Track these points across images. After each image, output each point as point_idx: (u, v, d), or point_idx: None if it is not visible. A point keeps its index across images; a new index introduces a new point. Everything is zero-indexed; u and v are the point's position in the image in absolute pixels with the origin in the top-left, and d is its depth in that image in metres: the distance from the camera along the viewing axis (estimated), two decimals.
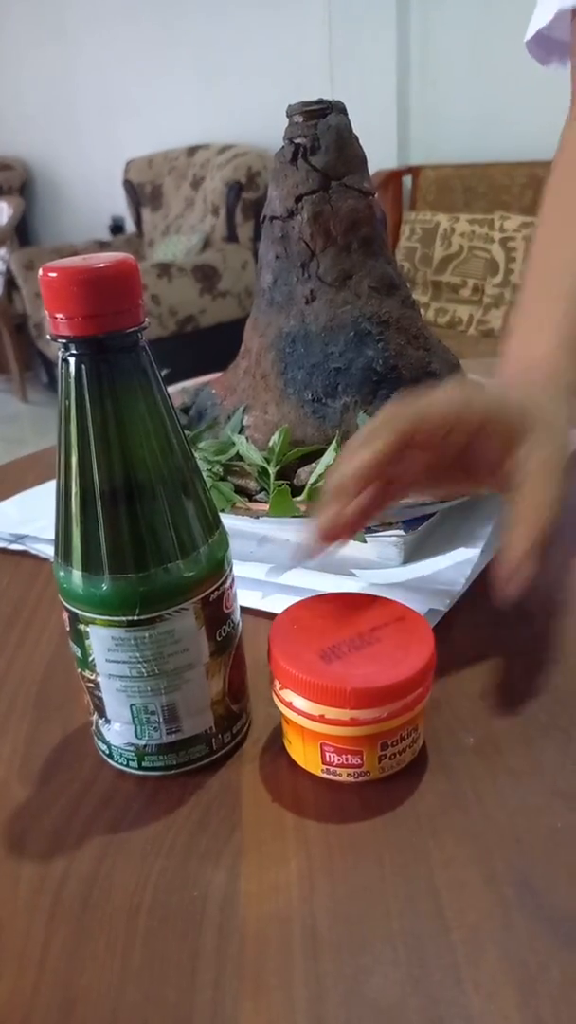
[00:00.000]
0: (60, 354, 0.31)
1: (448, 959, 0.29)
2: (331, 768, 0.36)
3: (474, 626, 0.47)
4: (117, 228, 3.96)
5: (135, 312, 0.31)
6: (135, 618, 0.33)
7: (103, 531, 0.32)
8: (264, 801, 0.36)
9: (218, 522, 0.36)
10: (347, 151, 0.56)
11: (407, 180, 2.99)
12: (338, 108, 0.55)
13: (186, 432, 0.62)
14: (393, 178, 2.93)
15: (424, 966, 0.29)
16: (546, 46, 0.73)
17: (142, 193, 3.63)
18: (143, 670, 0.34)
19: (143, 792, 0.37)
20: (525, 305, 0.53)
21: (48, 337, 0.31)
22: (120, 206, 3.84)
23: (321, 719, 0.34)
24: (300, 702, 0.34)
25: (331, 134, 0.55)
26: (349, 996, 0.28)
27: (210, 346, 3.02)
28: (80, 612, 0.34)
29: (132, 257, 0.30)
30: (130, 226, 3.85)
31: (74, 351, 0.31)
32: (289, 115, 0.55)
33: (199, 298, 3.10)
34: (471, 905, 0.31)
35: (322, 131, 0.55)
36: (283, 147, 0.56)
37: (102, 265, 0.29)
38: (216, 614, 0.36)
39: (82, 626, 0.34)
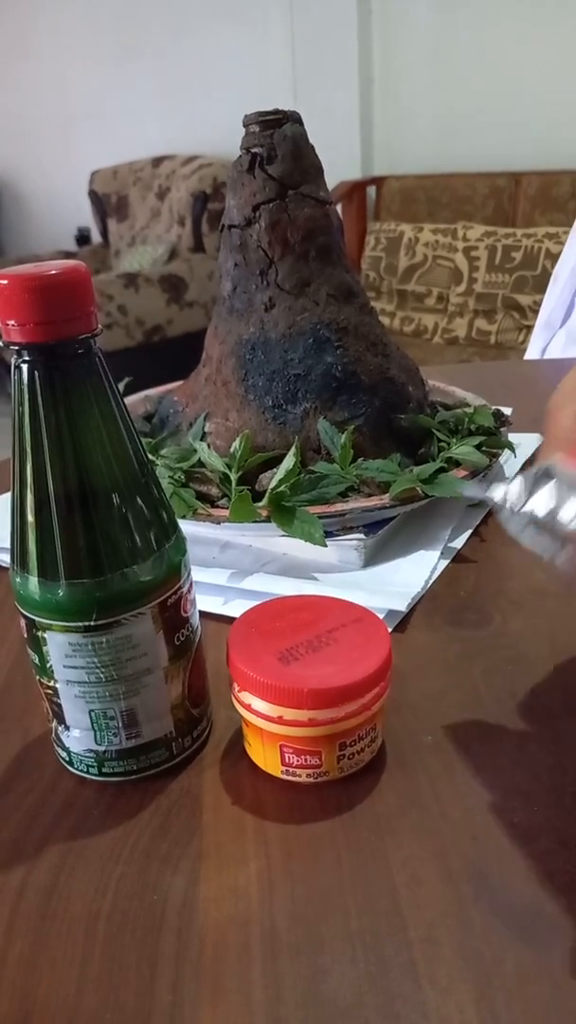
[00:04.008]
0: (13, 361, 0.31)
1: (405, 956, 0.29)
2: (291, 769, 0.36)
3: (433, 627, 0.48)
4: (83, 239, 3.95)
5: (87, 318, 0.31)
6: (92, 623, 0.33)
7: (59, 537, 0.32)
8: (224, 804, 0.36)
9: (175, 526, 0.36)
10: (303, 160, 0.56)
11: (371, 191, 3.03)
12: (294, 118, 0.56)
13: (148, 439, 0.62)
14: (357, 189, 2.96)
15: (382, 964, 0.29)
16: None
17: (108, 204, 3.62)
18: (101, 675, 0.34)
19: (103, 798, 0.37)
20: None
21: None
22: (86, 217, 3.83)
23: (280, 720, 0.34)
24: (259, 704, 0.34)
25: (287, 144, 0.55)
26: (307, 996, 0.28)
27: (178, 356, 3.01)
28: (37, 618, 0.34)
29: (84, 264, 0.30)
30: (96, 237, 3.84)
31: (27, 358, 0.31)
32: (245, 125, 0.56)
33: (166, 308, 3.10)
34: (428, 902, 0.31)
35: (278, 141, 0.55)
36: (240, 156, 0.57)
37: (53, 272, 0.30)
38: (174, 618, 0.36)
39: (39, 632, 0.34)
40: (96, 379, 0.32)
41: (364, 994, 0.28)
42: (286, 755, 0.35)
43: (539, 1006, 0.27)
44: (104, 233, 3.71)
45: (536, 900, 0.31)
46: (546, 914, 0.30)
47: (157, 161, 3.44)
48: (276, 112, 0.56)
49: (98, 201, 3.65)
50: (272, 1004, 0.28)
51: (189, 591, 0.37)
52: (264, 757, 0.36)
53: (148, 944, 0.30)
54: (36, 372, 0.31)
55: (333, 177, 2.84)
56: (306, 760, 0.35)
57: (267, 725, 0.35)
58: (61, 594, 0.33)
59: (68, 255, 3.61)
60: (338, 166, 2.89)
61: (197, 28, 3.23)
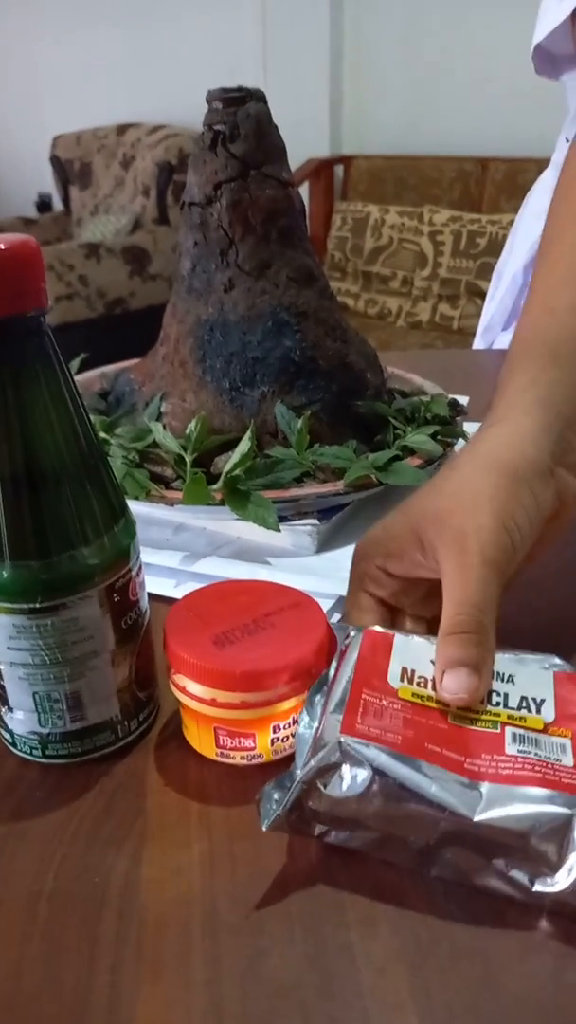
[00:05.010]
0: None
1: (343, 938, 0.30)
2: (225, 751, 0.36)
3: None
4: (44, 205, 3.85)
5: (37, 295, 0.30)
6: (37, 606, 0.33)
7: (3, 518, 0.32)
8: (169, 787, 0.36)
9: (124, 509, 0.36)
10: (266, 140, 0.56)
11: (339, 169, 3.01)
12: (257, 96, 0.55)
13: (102, 417, 0.62)
14: (325, 167, 2.94)
15: (320, 945, 0.29)
16: (551, 61, 0.73)
17: (70, 170, 3.54)
18: (46, 658, 0.34)
19: (47, 780, 0.37)
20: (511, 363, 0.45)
21: None
22: (47, 183, 3.74)
23: (213, 703, 0.34)
24: (193, 687, 0.35)
25: (250, 122, 0.55)
26: (246, 976, 0.28)
27: (140, 329, 2.96)
28: None
29: (33, 239, 0.30)
30: (58, 204, 3.76)
31: None
32: (208, 101, 0.55)
33: (128, 280, 3.05)
34: (367, 884, 0.32)
35: (241, 119, 0.54)
36: (202, 133, 0.56)
37: (1, 247, 0.29)
38: (122, 602, 0.35)
39: None
40: (45, 358, 0.31)
41: (302, 974, 0.28)
42: (220, 737, 0.36)
43: (471, 985, 0.28)
44: (66, 200, 3.63)
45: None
46: (481, 896, 0.31)
47: (122, 128, 3.36)
48: (240, 90, 0.55)
49: (60, 167, 3.56)
50: (211, 983, 0.28)
51: (138, 575, 0.37)
52: (199, 739, 0.37)
53: (89, 924, 0.30)
54: None
55: (301, 154, 2.82)
56: (240, 742, 0.36)
57: (201, 707, 0.35)
58: (5, 575, 0.32)
59: (28, 222, 3.53)
60: (306, 143, 2.86)
61: None
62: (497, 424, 0.41)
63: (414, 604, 0.40)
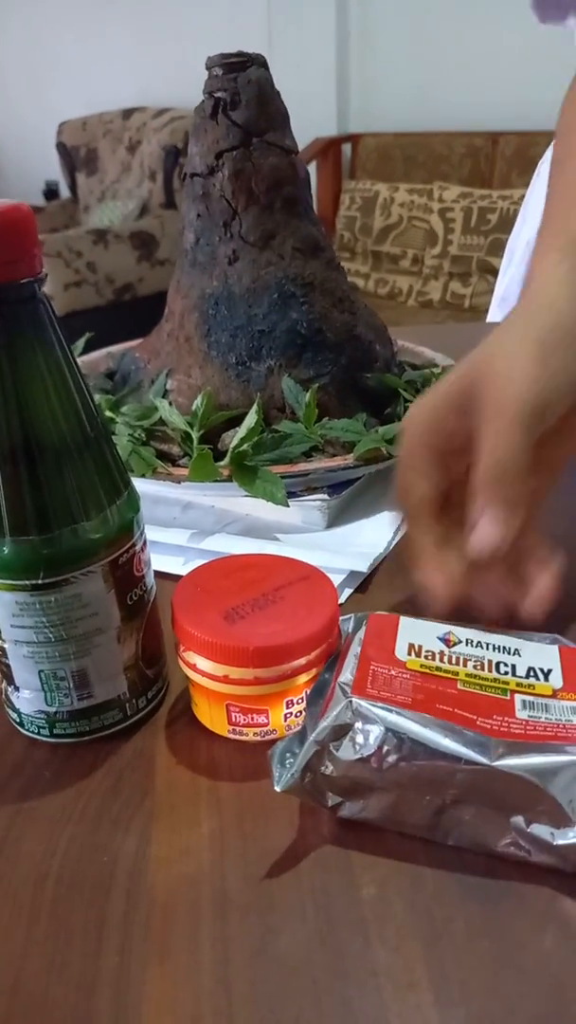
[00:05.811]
0: None
1: (355, 915, 0.29)
2: (237, 728, 0.35)
3: (393, 588, 0.47)
4: (51, 193, 3.84)
5: (31, 262, 0.29)
6: (39, 582, 0.32)
7: (2, 492, 0.31)
8: (178, 765, 0.36)
9: (127, 483, 0.35)
10: (269, 107, 0.54)
11: (347, 148, 2.97)
12: (259, 61, 0.54)
13: (108, 396, 0.61)
14: (333, 145, 2.91)
15: (331, 923, 0.29)
16: (557, 4, 0.71)
17: (76, 157, 3.52)
18: (50, 635, 0.33)
19: (55, 760, 0.36)
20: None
21: None
22: (54, 170, 3.72)
23: (225, 679, 0.34)
24: (204, 663, 0.34)
25: (252, 88, 0.53)
26: (256, 956, 0.28)
27: (149, 315, 2.94)
28: None
29: (26, 204, 0.29)
30: (64, 191, 3.74)
31: None
32: (208, 67, 0.54)
33: (137, 266, 3.03)
34: (380, 860, 0.31)
35: (242, 85, 0.53)
36: (203, 101, 0.54)
37: None
38: (126, 577, 0.35)
39: None
40: (40, 326, 0.30)
41: (313, 952, 0.28)
42: (232, 714, 0.35)
43: (487, 963, 0.27)
44: (73, 187, 3.61)
45: (488, 857, 0.30)
46: (496, 871, 0.30)
47: (128, 113, 3.33)
48: (240, 55, 0.53)
49: (66, 154, 3.54)
50: (220, 964, 0.28)
51: (143, 549, 0.36)
52: (211, 717, 0.36)
53: (96, 905, 0.30)
54: None
55: (308, 133, 2.78)
56: (253, 719, 0.35)
57: (213, 684, 0.34)
58: (6, 551, 0.32)
59: (36, 210, 3.51)
60: (313, 121, 2.83)
61: None
62: (528, 297, 0.40)
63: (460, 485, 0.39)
